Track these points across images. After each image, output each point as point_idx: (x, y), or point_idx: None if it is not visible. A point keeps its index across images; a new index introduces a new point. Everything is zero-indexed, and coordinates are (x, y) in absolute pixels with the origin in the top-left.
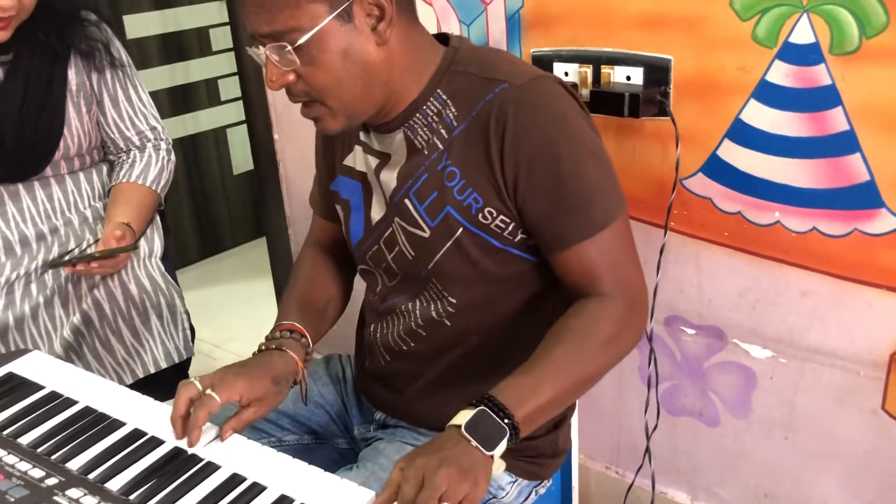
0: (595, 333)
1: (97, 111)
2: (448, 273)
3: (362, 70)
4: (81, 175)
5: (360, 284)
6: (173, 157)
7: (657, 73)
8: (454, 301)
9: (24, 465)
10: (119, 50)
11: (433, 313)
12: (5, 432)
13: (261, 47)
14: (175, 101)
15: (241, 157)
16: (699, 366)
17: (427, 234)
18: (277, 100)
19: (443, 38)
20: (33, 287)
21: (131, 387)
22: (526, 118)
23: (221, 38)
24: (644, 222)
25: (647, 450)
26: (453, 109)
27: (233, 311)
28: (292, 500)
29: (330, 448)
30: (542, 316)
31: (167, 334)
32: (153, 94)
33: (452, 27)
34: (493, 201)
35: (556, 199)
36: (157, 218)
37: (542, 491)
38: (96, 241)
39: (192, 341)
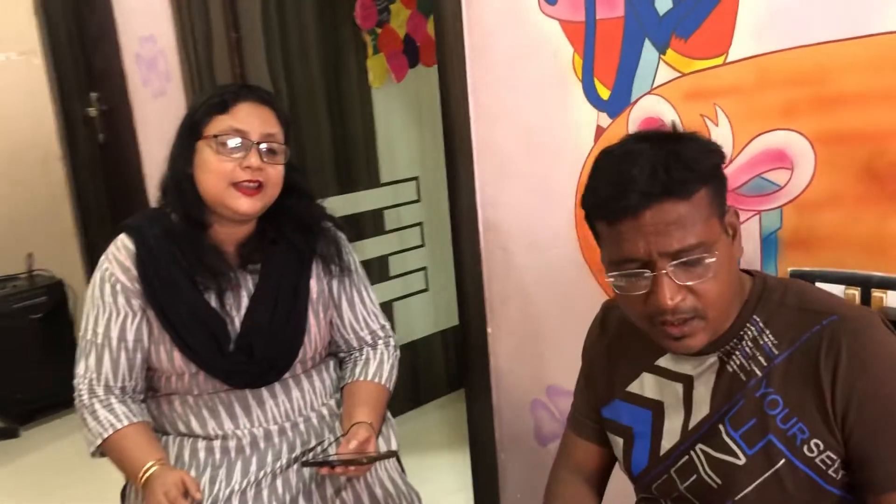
0: None
1: (333, 314)
2: None
3: (736, 283)
4: (314, 373)
5: None
6: (398, 351)
7: None
8: None
9: None
10: (350, 254)
11: None
12: None
13: (648, 271)
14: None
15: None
16: None
17: (742, 461)
18: (493, 294)
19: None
20: (279, 483)
21: None
22: (860, 352)
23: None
24: None
25: None
26: (772, 338)
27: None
28: None
29: None
30: None
31: None
32: None
33: None
34: (822, 433)
35: (887, 440)
36: (389, 414)
37: None
38: (337, 439)
39: None
